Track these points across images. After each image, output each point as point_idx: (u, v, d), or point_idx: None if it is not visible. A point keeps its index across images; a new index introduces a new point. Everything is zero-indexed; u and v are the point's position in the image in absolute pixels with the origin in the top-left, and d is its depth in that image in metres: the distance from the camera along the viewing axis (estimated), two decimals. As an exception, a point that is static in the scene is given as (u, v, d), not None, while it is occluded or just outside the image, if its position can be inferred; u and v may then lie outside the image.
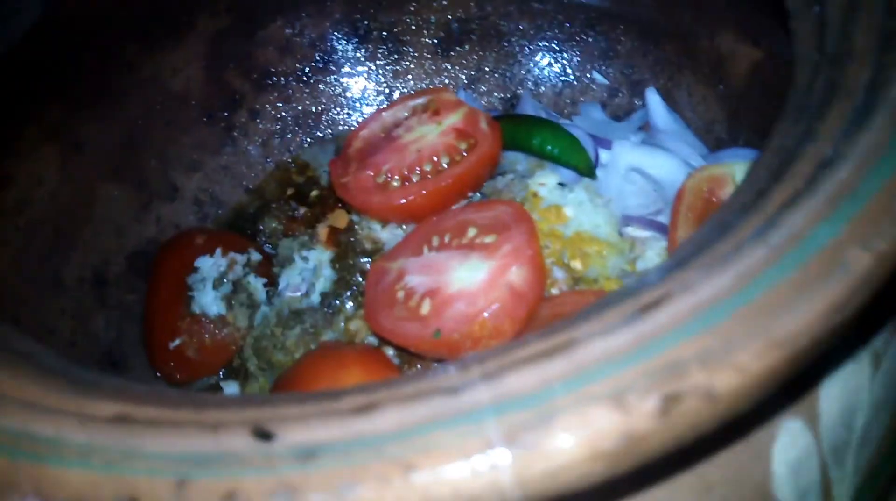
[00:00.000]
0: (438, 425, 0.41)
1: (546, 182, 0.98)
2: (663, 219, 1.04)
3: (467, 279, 0.86)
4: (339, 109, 1.32)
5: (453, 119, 1.06)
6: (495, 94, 1.31)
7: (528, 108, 1.20)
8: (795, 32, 0.69)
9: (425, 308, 0.87)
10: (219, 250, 1.05)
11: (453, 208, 1.03)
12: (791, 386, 0.50)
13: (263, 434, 0.41)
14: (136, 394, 0.49)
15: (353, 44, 1.30)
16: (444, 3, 1.29)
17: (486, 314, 0.82)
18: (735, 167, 0.96)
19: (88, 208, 1.12)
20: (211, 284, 1.02)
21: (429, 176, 1.01)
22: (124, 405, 0.48)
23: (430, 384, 0.44)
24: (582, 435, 0.39)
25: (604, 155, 1.08)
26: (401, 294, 0.90)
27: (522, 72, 1.30)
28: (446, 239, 0.93)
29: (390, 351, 0.94)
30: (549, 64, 1.29)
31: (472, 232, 0.91)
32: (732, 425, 0.44)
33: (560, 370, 0.42)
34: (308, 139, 1.30)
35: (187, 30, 1.20)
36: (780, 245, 0.46)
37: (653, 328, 0.43)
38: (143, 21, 1.14)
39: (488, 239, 0.89)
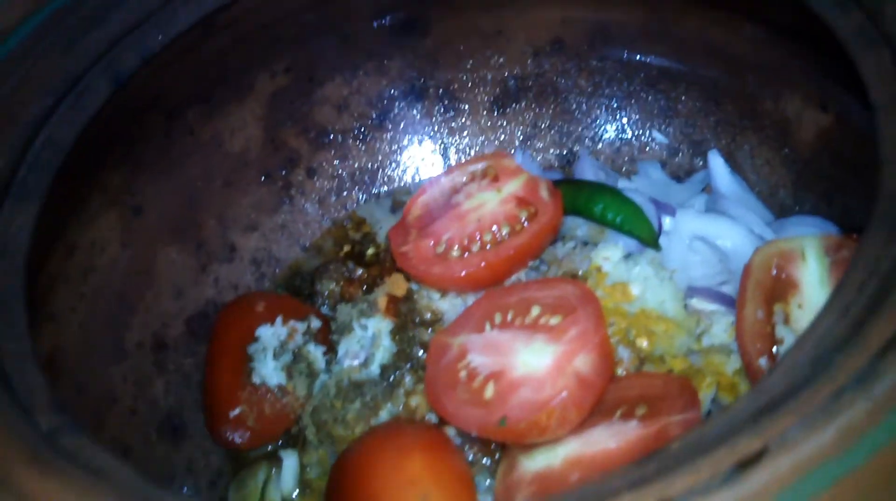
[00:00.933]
0: None
1: (610, 256, 0.97)
2: (728, 290, 1.02)
3: (533, 364, 0.85)
4: (394, 165, 1.32)
5: (513, 186, 1.05)
6: (551, 150, 1.30)
7: (587, 167, 1.19)
8: (881, 129, 0.67)
9: (489, 392, 0.85)
10: (279, 319, 1.05)
11: (514, 276, 1.02)
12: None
13: None
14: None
15: (409, 101, 1.30)
16: (501, 60, 1.28)
17: (553, 403, 0.80)
18: (805, 243, 0.94)
19: (148, 272, 1.13)
20: (271, 354, 1.02)
21: (489, 246, 1.00)
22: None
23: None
24: None
25: (666, 222, 1.07)
26: (463, 374, 0.89)
27: (580, 129, 1.29)
28: (509, 317, 0.92)
29: (452, 430, 0.93)
30: (608, 121, 1.27)
31: (535, 311, 0.90)
32: None
33: (658, 538, 0.41)
34: (364, 196, 1.30)
35: (247, 91, 1.21)
36: (884, 399, 0.44)
37: (752, 491, 0.42)
38: (204, 86, 1.15)
39: (553, 320, 0.88)
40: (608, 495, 0.45)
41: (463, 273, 0.98)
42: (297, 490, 1.00)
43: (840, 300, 0.54)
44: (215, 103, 1.18)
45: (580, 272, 0.98)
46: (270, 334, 1.04)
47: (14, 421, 0.59)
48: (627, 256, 0.99)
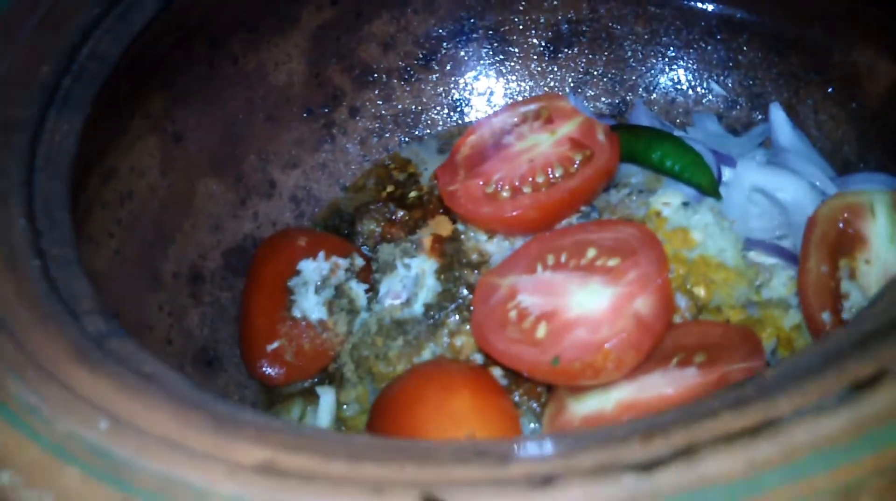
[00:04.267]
0: (632, 511, 0.37)
1: (671, 201, 0.93)
2: (787, 244, 0.98)
3: (588, 305, 0.82)
4: (439, 108, 1.28)
5: (568, 128, 1.01)
6: (603, 99, 1.26)
7: (642, 117, 1.15)
8: None
9: (541, 332, 0.82)
10: (322, 254, 1.02)
11: (565, 222, 0.98)
12: None
13: (435, 505, 0.38)
14: (280, 436, 0.46)
15: (457, 42, 1.26)
16: (555, 2, 1.24)
17: (610, 345, 0.77)
18: (875, 197, 0.90)
19: (187, 201, 1.10)
20: (313, 288, 1.00)
21: (542, 188, 0.97)
22: (269, 450, 0.44)
23: (614, 455, 0.40)
24: (804, 539, 0.35)
25: (726, 173, 1.03)
26: (513, 314, 0.86)
27: (634, 77, 1.25)
28: (563, 259, 0.88)
29: (497, 371, 0.90)
30: (663, 71, 1.23)
31: (591, 253, 0.87)
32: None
33: (768, 455, 0.38)
34: (406, 139, 1.27)
35: (292, 23, 1.17)
36: None
37: (874, 412, 0.38)
38: (250, 13, 1.12)
39: (611, 262, 0.84)
40: (706, 414, 0.41)
41: (513, 214, 0.95)
42: (333, 428, 0.98)
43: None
44: (260, 34, 1.15)
45: (637, 218, 0.94)
46: (313, 268, 1.02)
47: (62, 323, 0.57)
48: (686, 203, 0.95)
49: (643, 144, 1.02)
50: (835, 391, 0.40)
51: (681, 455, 0.39)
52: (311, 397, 1.02)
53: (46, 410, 0.48)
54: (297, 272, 1.02)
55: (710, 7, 1.18)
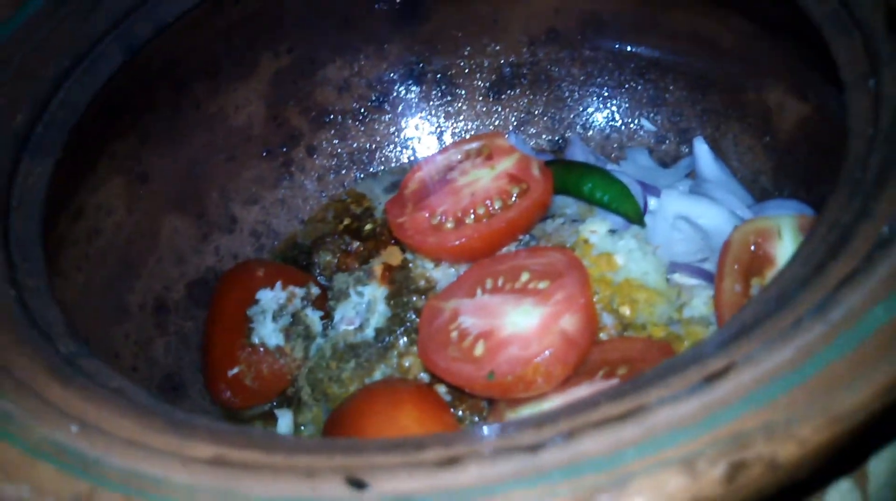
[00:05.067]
0: (519, 483, 0.44)
1: (597, 229, 1.01)
2: (709, 267, 1.07)
3: (521, 324, 0.90)
4: (392, 146, 1.36)
5: (506, 164, 1.10)
6: (544, 136, 1.35)
7: (578, 152, 1.24)
8: (849, 105, 0.72)
9: (479, 350, 0.90)
10: (279, 284, 1.09)
11: (504, 249, 1.07)
12: (846, 452, 0.52)
13: (357, 483, 0.45)
14: (229, 436, 0.53)
15: (407, 85, 1.34)
16: (497, 48, 1.33)
17: (539, 359, 0.85)
18: (781, 221, 0.99)
19: (152, 237, 1.17)
20: (270, 316, 1.07)
21: (483, 219, 1.05)
22: (220, 447, 0.51)
23: (510, 441, 0.47)
24: (654, 499, 0.42)
25: (652, 202, 1.12)
26: (455, 334, 0.94)
27: (571, 116, 1.34)
28: (500, 283, 0.96)
29: (442, 389, 0.98)
30: (598, 109, 1.32)
31: (525, 277, 0.95)
32: (790, 488, 0.47)
33: (632, 435, 0.45)
34: (361, 175, 1.35)
35: (252, 69, 1.25)
36: (838, 323, 0.49)
37: (719, 398, 0.47)
38: (212, 61, 1.19)
39: (541, 285, 0.92)
40: (589, 406, 0.49)
41: (456, 243, 1.03)
42: (291, 447, 1.04)
43: (806, 249, 0.59)
44: (221, 79, 1.23)
45: (568, 245, 1.03)
46: (270, 297, 1.09)
47: (37, 344, 0.64)
48: (613, 231, 1.04)
49: (575, 177, 1.10)
50: (693, 382, 0.48)
51: (562, 437, 0.46)
52: (270, 419, 1.08)
53: (22, 417, 0.54)
54: (256, 301, 1.09)
55: (640, 49, 1.27)
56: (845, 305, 0.50)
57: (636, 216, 1.06)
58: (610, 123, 1.32)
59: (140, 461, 0.50)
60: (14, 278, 0.72)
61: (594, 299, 0.95)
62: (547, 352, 0.85)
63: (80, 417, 0.54)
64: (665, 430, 0.45)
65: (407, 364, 1.01)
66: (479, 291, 0.97)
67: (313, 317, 1.08)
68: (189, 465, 0.49)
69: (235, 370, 1.06)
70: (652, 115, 1.29)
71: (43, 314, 0.70)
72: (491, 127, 1.37)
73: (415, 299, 1.06)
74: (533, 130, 1.35)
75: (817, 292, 0.53)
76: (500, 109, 1.36)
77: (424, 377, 1.00)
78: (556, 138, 1.34)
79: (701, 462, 0.43)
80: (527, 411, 0.89)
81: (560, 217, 1.10)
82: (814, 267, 0.56)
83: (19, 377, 0.58)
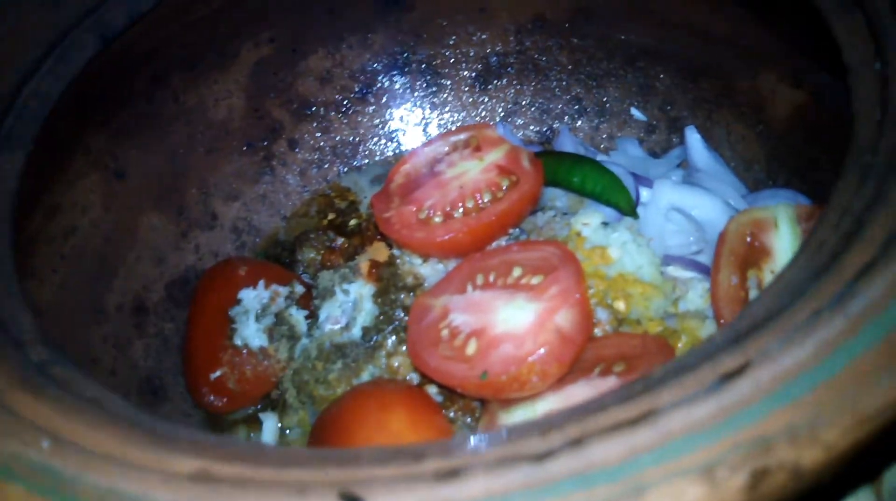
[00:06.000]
0: (527, 495, 0.41)
1: (590, 222, 0.99)
2: (704, 259, 1.04)
3: (514, 321, 0.87)
4: (376, 139, 1.33)
5: (495, 156, 1.06)
6: (531, 127, 1.32)
7: (567, 143, 1.21)
8: (854, 89, 0.69)
9: (471, 349, 0.87)
10: (262, 283, 1.06)
11: (494, 244, 1.03)
12: (871, 457, 0.50)
13: (352, 499, 0.42)
14: (214, 449, 0.49)
15: (392, 76, 1.31)
16: (484, 37, 1.30)
17: (533, 358, 0.82)
18: (777, 211, 0.97)
19: (130, 235, 1.13)
20: (254, 316, 1.03)
21: (472, 213, 1.02)
22: (204, 461, 0.48)
23: (514, 449, 0.44)
24: (673, 510, 0.40)
25: (644, 193, 1.09)
26: (445, 333, 0.91)
27: (559, 106, 1.31)
28: (491, 278, 0.93)
29: (433, 389, 0.95)
30: (587, 99, 1.29)
31: (517, 272, 0.92)
32: (813, 495, 0.44)
33: (646, 441, 0.42)
34: (345, 169, 1.32)
35: (232, 59, 1.21)
36: (859, 315, 0.46)
37: (737, 399, 0.44)
38: (190, 51, 1.15)
39: (535, 280, 0.89)
40: (598, 410, 0.46)
41: (445, 238, 0.99)
42: (278, 451, 1.00)
43: (817, 238, 0.56)
44: (200, 70, 1.19)
45: (560, 238, 1.00)
46: (253, 296, 1.05)
47: (6, 352, 0.60)
48: (606, 223, 1.01)
49: (565, 169, 1.08)
50: (708, 382, 0.46)
51: (571, 445, 0.43)
52: (254, 423, 1.05)
53: (-10, 433, 0.51)
54: (238, 301, 1.05)
55: (629, 37, 1.24)
56: (865, 296, 0.48)
57: (629, 208, 1.04)
58: (599, 113, 1.29)
59: (118, 478, 0.46)
60: (-18, 282, 0.68)
61: (588, 295, 0.92)
62: (542, 350, 0.82)
63: (52, 431, 0.51)
64: (681, 435, 0.42)
65: (396, 364, 0.97)
66: (469, 287, 0.94)
67: (298, 317, 1.05)
68: (170, 482, 0.46)
69: (218, 373, 1.03)
70: (642, 104, 1.26)
71: (14, 319, 0.66)
72: (478, 118, 1.34)
73: (403, 296, 1.02)
74: (521, 121, 1.32)
75: (833, 283, 0.50)
76: (486, 100, 1.33)
77: (414, 377, 0.97)
78: (545, 129, 1.31)
79: (721, 469, 0.40)
80: (520, 411, 0.86)
81: (550, 210, 1.07)
82: (827, 257, 0.53)
83: (-13, 389, 0.55)
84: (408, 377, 0.97)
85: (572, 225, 1.00)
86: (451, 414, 0.93)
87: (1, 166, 0.81)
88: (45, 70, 0.89)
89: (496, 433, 0.48)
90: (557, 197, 1.10)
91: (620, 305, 0.94)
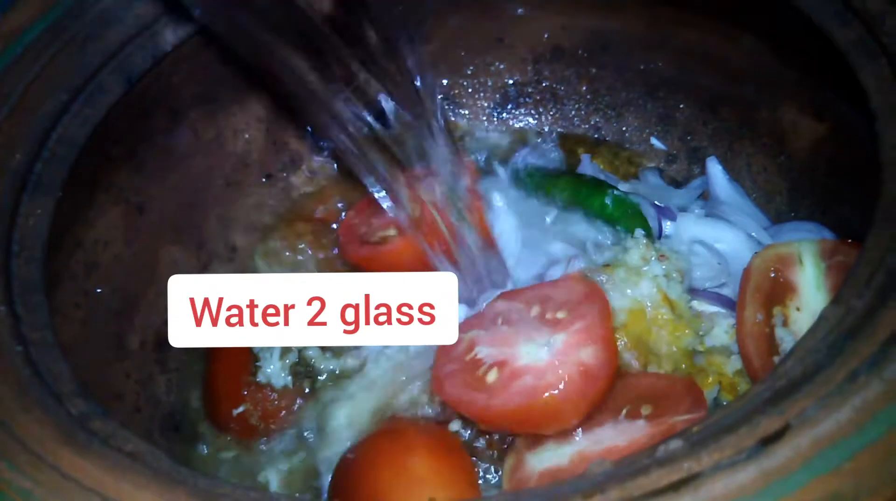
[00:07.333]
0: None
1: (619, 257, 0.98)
2: (728, 292, 1.04)
3: (536, 354, 0.86)
4: (395, 169, 1.33)
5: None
6: (552, 156, 1.32)
7: (587, 171, 1.21)
8: (882, 136, 0.69)
9: (491, 378, 0.86)
10: (285, 318, 1.05)
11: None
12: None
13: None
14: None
15: (410, 106, 1.31)
16: (501, 66, 1.30)
17: (553, 392, 0.81)
18: (802, 247, 0.96)
19: (150, 269, 1.13)
20: (278, 353, 1.03)
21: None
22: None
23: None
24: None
25: (667, 226, 1.09)
26: (469, 363, 0.90)
27: (579, 134, 1.31)
28: (518, 313, 0.93)
29: (455, 426, 0.94)
30: (606, 128, 1.29)
31: (544, 307, 0.91)
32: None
33: (690, 509, 0.42)
34: (364, 198, 1.32)
35: (249, 93, 1.22)
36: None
37: (777, 465, 0.44)
38: (209, 87, 1.16)
39: (560, 315, 0.89)
40: (639, 472, 0.46)
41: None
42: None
43: (849, 292, 0.56)
44: (219, 104, 1.19)
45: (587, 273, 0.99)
46: (276, 332, 1.05)
47: (47, 405, 0.60)
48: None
49: (585, 193, 1.08)
50: (747, 445, 0.45)
51: (615, 512, 0.43)
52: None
53: (40, 494, 0.51)
54: (262, 337, 1.05)
55: (649, 67, 1.24)
56: (904, 360, 0.47)
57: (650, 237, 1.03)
58: (619, 142, 1.29)
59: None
60: (20, 333, 0.68)
61: (614, 332, 0.91)
62: (562, 384, 0.82)
63: (100, 490, 0.51)
64: (725, 502, 0.42)
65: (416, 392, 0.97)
66: (499, 321, 0.94)
67: (321, 353, 1.04)
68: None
69: (241, 409, 1.02)
70: (662, 134, 1.26)
71: (51, 371, 0.66)
72: (495, 147, 1.34)
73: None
74: (542, 147, 1.32)
75: (870, 343, 0.50)
76: (504, 130, 1.33)
77: (428, 411, 0.95)
78: (563, 158, 1.31)
79: (768, 542, 0.40)
80: (548, 454, 0.85)
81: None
82: (862, 314, 0.53)
83: (33, 447, 0.55)
84: (426, 407, 0.95)
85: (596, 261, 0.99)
86: (476, 446, 0.92)
87: (33, 212, 0.81)
88: (72, 114, 0.90)
89: (536, 493, 0.48)
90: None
91: (648, 341, 0.93)
